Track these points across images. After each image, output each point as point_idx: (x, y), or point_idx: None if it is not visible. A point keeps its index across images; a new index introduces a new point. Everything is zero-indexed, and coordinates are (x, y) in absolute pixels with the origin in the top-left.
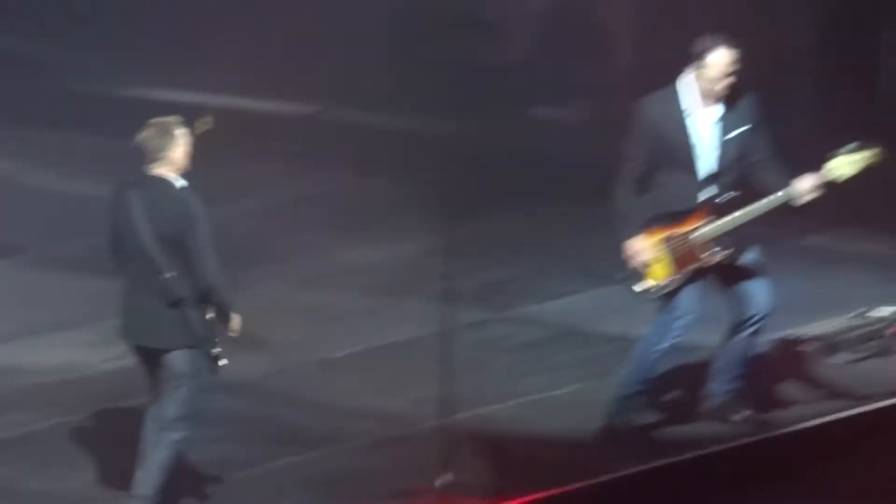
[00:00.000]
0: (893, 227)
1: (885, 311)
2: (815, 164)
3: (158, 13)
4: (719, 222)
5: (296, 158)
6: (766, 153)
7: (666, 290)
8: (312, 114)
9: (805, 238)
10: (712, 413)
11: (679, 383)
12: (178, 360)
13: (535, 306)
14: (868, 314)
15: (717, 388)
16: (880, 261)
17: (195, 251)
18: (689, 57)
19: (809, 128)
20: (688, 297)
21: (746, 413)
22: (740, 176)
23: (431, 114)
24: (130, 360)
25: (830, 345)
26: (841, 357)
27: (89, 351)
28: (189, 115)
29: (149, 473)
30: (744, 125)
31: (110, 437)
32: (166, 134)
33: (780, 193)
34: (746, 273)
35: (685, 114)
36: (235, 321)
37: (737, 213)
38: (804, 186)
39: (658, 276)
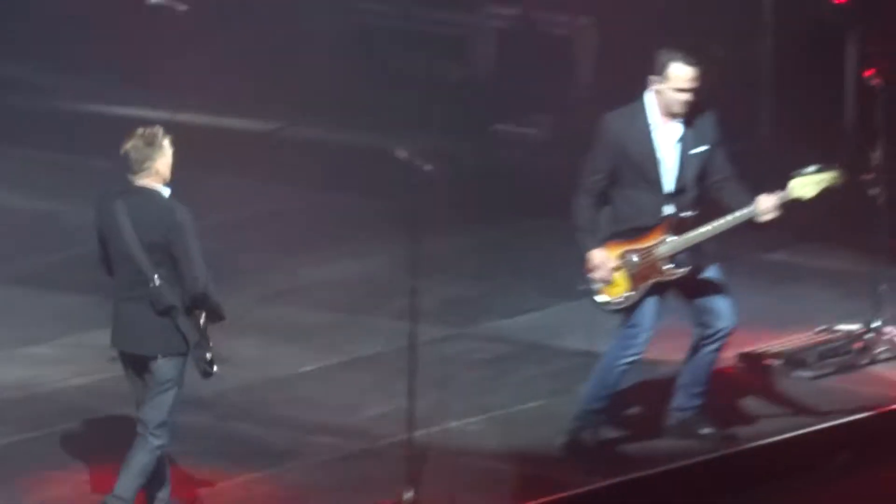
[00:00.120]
0: (855, 243)
1: (849, 326)
2: (777, 183)
3: (120, 31)
4: (680, 238)
5: (260, 174)
6: (728, 172)
7: (626, 305)
8: (276, 130)
9: (768, 254)
10: (677, 428)
11: (644, 398)
12: (165, 366)
13: (500, 322)
14: (832, 330)
15: (682, 402)
16: (843, 277)
17: (184, 260)
18: (651, 72)
19: (772, 145)
20: (648, 311)
21: (711, 428)
22: (701, 193)
23: (396, 130)
24: (95, 377)
25: (795, 360)
26: (805, 372)
27: (54, 367)
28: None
29: (129, 476)
30: (705, 143)
31: (75, 452)
32: (153, 144)
33: (742, 211)
34: (711, 288)
35: (651, 128)
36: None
37: (699, 230)
38: (766, 206)
39: (618, 289)
